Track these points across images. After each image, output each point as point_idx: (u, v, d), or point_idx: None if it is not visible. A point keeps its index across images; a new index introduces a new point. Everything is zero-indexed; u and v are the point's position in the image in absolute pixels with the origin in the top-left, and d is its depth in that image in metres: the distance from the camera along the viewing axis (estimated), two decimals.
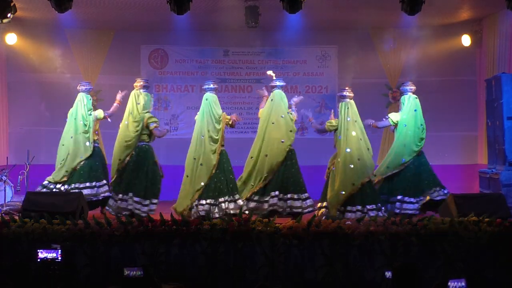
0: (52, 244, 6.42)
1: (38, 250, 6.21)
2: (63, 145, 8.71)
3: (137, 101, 8.59)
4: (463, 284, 4.50)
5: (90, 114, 8.77)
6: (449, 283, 4.51)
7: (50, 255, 6.20)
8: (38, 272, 6.06)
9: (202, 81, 11.60)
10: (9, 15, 8.28)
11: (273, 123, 8.39)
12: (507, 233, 6.93)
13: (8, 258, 6.56)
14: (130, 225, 6.98)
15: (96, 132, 9.03)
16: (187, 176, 8.31)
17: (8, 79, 11.33)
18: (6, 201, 9.27)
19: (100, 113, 8.92)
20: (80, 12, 9.78)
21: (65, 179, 8.59)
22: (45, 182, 8.68)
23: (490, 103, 9.81)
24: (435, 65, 11.37)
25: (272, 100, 8.49)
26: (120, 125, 8.66)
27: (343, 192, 8.09)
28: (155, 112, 11.55)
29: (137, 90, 8.68)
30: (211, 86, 8.50)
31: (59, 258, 6.19)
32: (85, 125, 8.67)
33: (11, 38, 10.92)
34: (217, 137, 8.26)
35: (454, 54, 11.33)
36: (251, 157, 8.47)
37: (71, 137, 8.65)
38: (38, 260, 6.17)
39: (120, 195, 8.45)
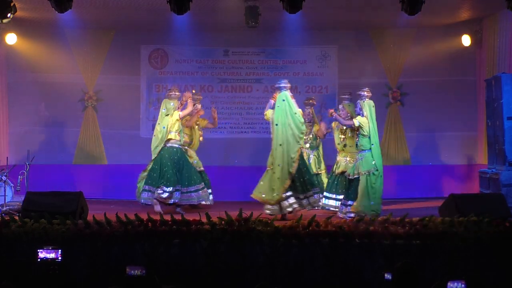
0: (52, 244, 6.42)
1: (38, 250, 6.20)
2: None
3: None
4: (463, 284, 4.50)
5: None
6: (449, 283, 4.50)
7: (50, 255, 6.18)
8: (38, 272, 6.05)
9: (202, 81, 11.70)
10: (9, 15, 8.29)
11: None
12: (507, 233, 6.92)
13: (8, 258, 6.55)
14: (130, 225, 6.98)
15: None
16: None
17: (8, 79, 11.33)
18: (6, 201, 9.27)
19: None
20: (80, 12, 9.77)
21: None
22: None
23: (490, 103, 9.81)
24: (435, 65, 11.38)
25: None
26: None
27: None
28: (156, 112, 11.59)
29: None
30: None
31: (59, 258, 6.18)
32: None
33: (11, 38, 10.93)
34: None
35: (454, 54, 11.34)
36: None
37: None
38: (38, 260, 6.17)
39: None
